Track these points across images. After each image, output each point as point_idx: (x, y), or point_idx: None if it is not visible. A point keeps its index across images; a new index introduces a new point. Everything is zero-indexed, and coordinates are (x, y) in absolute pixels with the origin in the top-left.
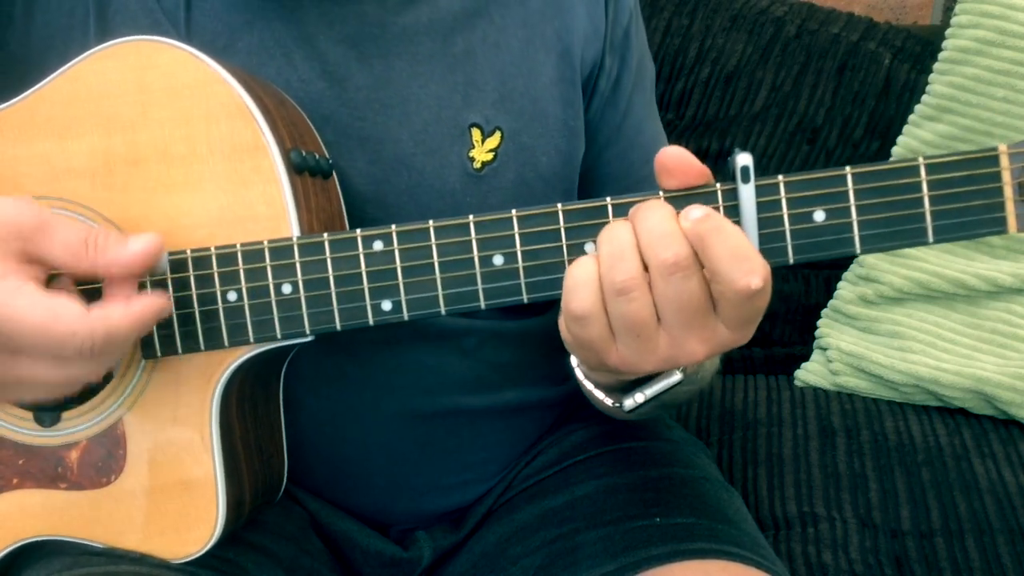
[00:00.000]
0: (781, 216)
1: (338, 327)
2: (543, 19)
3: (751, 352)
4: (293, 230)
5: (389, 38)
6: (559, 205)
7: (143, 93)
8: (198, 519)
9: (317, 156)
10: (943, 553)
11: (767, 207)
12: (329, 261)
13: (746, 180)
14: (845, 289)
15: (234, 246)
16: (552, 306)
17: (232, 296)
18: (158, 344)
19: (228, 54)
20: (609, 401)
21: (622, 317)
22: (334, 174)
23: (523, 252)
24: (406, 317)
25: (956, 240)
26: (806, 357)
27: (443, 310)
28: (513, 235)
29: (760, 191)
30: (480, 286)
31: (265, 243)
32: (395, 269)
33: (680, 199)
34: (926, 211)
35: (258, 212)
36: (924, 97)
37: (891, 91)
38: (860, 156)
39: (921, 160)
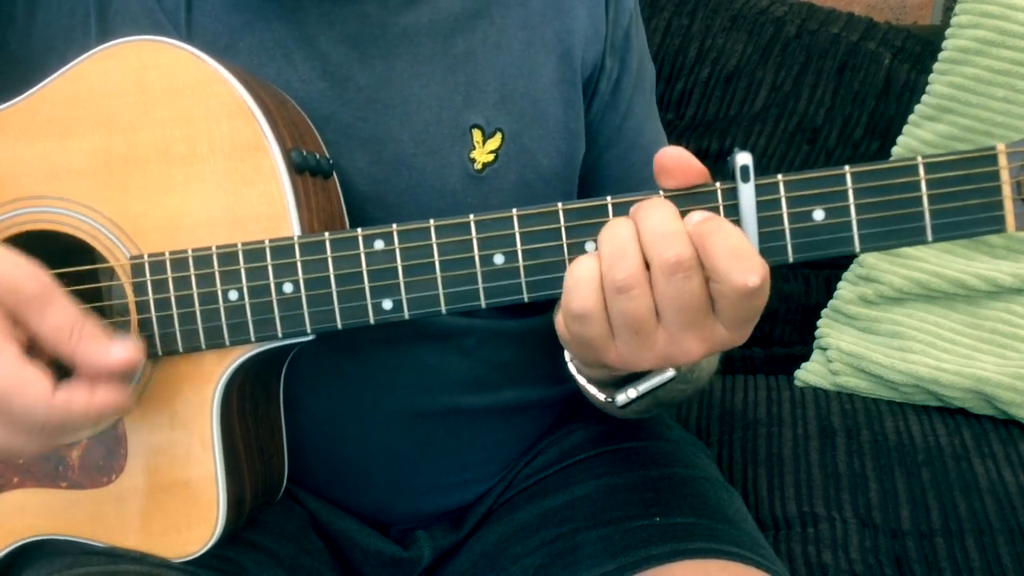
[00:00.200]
0: (781, 215)
1: (339, 326)
2: (543, 20)
3: (751, 352)
4: (294, 229)
5: (390, 39)
6: (559, 204)
7: (144, 93)
8: (199, 518)
9: (318, 156)
10: (943, 553)
11: (767, 206)
12: (330, 260)
13: (746, 179)
14: (845, 289)
15: (235, 245)
16: (552, 305)
17: (233, 295)
18: (159, 343)
19: (229, 54)
20: (602, 396)
21: (622, 315)
22: (335, 174)
23: (524, 251)
24: (407, 316)
25: (955, 239)
26: (806, 357)
27: (444, 309)
28: (514, 234)
29: (760, 190)
30: (481, 285)
31: (266, 242)
32: (396, 268)
33: (680, 198)
34: (925, 210)
35: (259, 212)
36: (924, 97)
37: (891, 91)
38: (860, 156)
39: (920, 159)
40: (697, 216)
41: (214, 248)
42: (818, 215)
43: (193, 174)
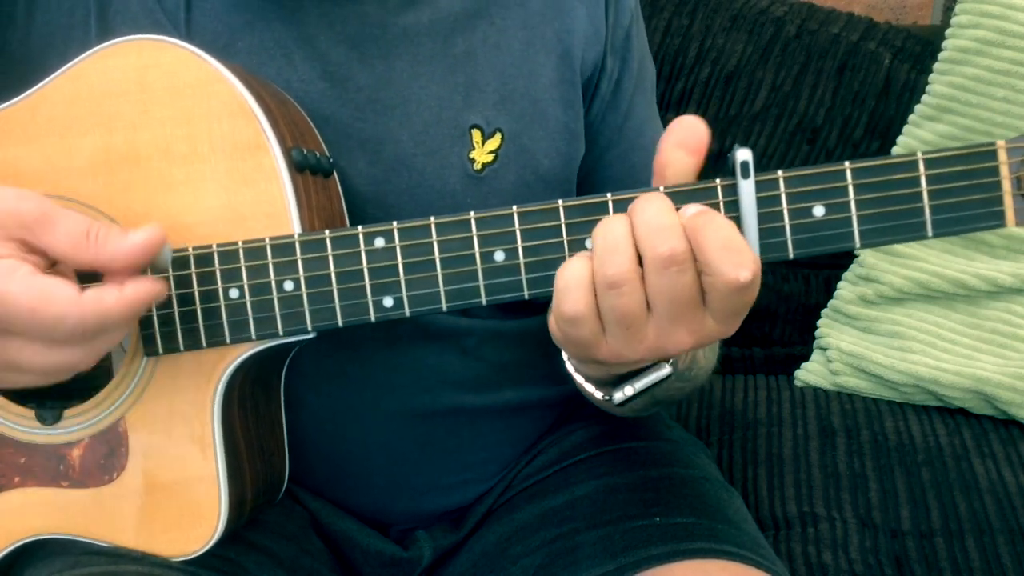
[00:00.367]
0: (781, 211)
1: (340, 324)
2: (543, 21)
3: (751, 352)
4: (295, 227)
5: (390, 39)
6: (560, 201)
7: (145, 92)
8: (200, 517)
9: (318, 155)
10: (943, 553)
11: (767, 202)
12: (331, 258)
13: (746, 175)
14: (845, 289)
15: (236, 243)
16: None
17: (234, 293)
18: (160, 341)
19: (228, 54)
20: (599, 394)
21: (612, 310)
22: (335, 173)
23: (524, 248)
24: (408, 313)
25: (955, 234)
26: (806, 357)
27: (444, 306)
28: (514, 231)
29: (760, 186)
30: (481, 282)
31: (267, 240)
32: (396, 266)
33: (679, 194)
34: (925, 205)
35: (260, 210)
36: (924, 97)
37: (891, 91)
38: (860, 156)
39: (920, 155)
40: (691, 209)
41: (215, 246)
42: (818, 211)
43: (194, 173)
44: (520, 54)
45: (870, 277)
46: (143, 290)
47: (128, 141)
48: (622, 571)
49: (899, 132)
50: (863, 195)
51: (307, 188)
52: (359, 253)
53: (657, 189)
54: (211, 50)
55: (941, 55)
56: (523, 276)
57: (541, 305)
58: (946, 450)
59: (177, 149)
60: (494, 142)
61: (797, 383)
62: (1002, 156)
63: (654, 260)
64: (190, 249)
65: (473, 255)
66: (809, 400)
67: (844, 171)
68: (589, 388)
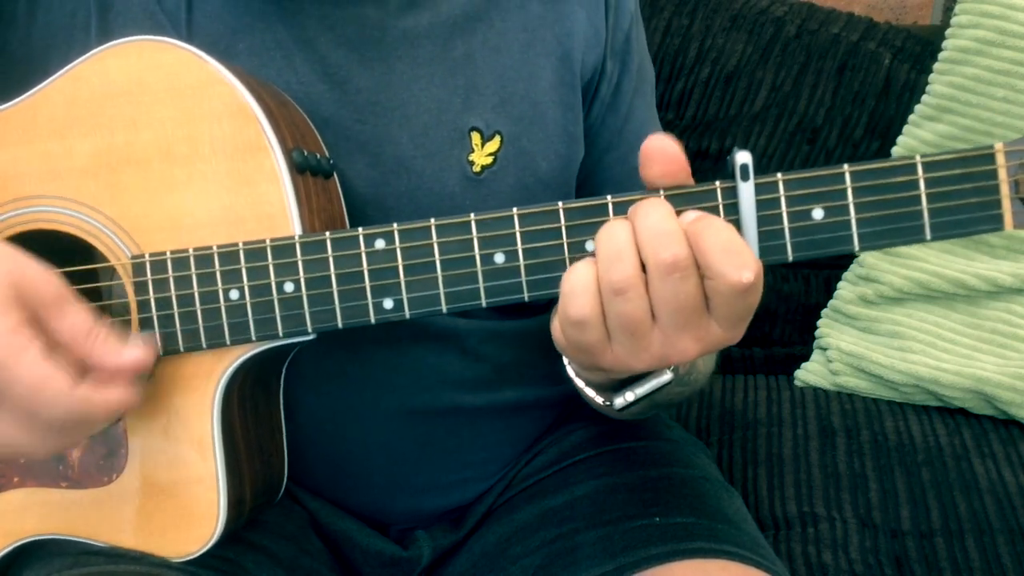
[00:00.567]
0: (780, 214)
1: (340, 325)
2: (543, 24)
3: (751, 352)
4: (295, 229)
5: (390, 41)
6: (560, 204)
7: (145, 93)
8: (199, 518)
9: (319, 156)
10: (943, 553)
11: (766, 205)
12: (331, 259)
13: (745, 178)
14: (845, 289)
15: (236, 244)
16: (552, 305)
17: (234, 294)
18: (160, 343)
19: (229, 56)
20: (600, 399)
21: (618, 317)
22: (335, 175)
23: (524, 250)
24: (408, 315)
25: (953, 237)
26: (806, 357)
27: (444, 308)
28: (514, 233)
29: (759, 189)
30: (481, 284)
31: (267, 242)
32: (397, 267)
33: (679, 198)
34: (923, 209)
35: (260, 211)
36: (924, 97)
37: (891, 91)
38: (860, 156)
39: (918, 158)
40: (690, 215)
41: (215, 247)
42: (817, 214)
43: (195, 174)
44: (520, 57)
45: (870, 277)
46: (126, 397)
47: (129, 142)
48: (622, 571)
49: (899, 132)
50: (862, 198)
51: (307, 189)
52: (359, 255)
53: (657, 192)
54: (212, 51)
55: (941, 55)
56: (523, 278)
57: (541, 306)
58: (946, 450)
59: (178, 150)
60: (493, 145)
61: (797, 383)
62: (1000, 159)
63: (657, 266)
64: (191, 250)
65: (473, 257)
66: (809, 400)
67: (843, 174)
68: (590, 393)
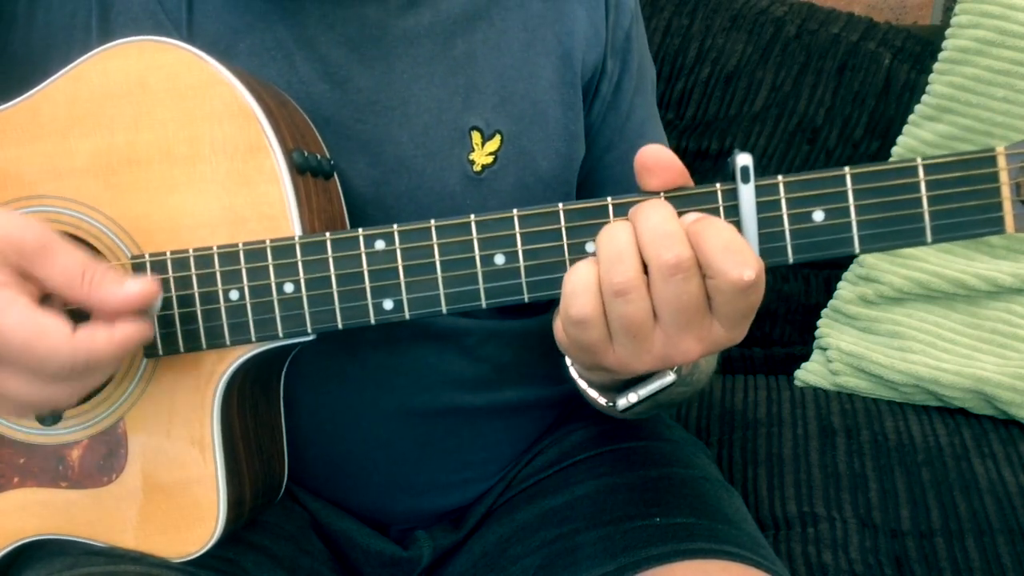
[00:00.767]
0: (780, 216)
1: (340, 326)
2: (543, 22)
3: (751, 352)
4: (295, 229)
5: (390, 40)
6: (560, 205)
7: (146, 93)
8: (199, 518)
9: (319, 157)
10: (943, 553)
11: (767, 207)
12: (331, 260)
13: (746, 180)
14: (845, 289)
15: (236, 245)
16: (552, 305)
17: (234, 295)
18: (160, 343)
19: (229, 56)
20: (603, 400)
21: (620, 318)
22: (335, 175)
23: (524, 251)
24: (407, 316)
25: (954, 240)
26: (806, 357)
27: (444, 309)
28: (514, 234)
29: (760, 191)
30: (481, 285)
31: (267, 242)
32: (397, 268)
33: (680, 199)
34: (924, 211)
35: (260, 212)
36: (924, 97)
37: (891, 91)
38: (860, 156)
39: (919, 161)
40: (690, 217)
41: (215, 248)
42: (818, 216)
43: (195, 174)
44: (520, 56)
45: (870, 277)
46: (132, 332)
47: (129, 142)
48: (622, 571)
49: (899, 132)
50: (863, 200)
51: (308, 190)
52: (359, 255)
53: (658, 194)
54: (212, 51)
55: (941, 55)
56: (523, 279)
57: (541, 306)
58: (946, 450)
59: (178, 150)
60: (494, 144)
61: (797, 383)
62: (1001, 162)
63: (660, 268)
64: (191, 251)
65: (473, 258)
66: (809, 400)
67: (844, 176)
68: (592, 394)
